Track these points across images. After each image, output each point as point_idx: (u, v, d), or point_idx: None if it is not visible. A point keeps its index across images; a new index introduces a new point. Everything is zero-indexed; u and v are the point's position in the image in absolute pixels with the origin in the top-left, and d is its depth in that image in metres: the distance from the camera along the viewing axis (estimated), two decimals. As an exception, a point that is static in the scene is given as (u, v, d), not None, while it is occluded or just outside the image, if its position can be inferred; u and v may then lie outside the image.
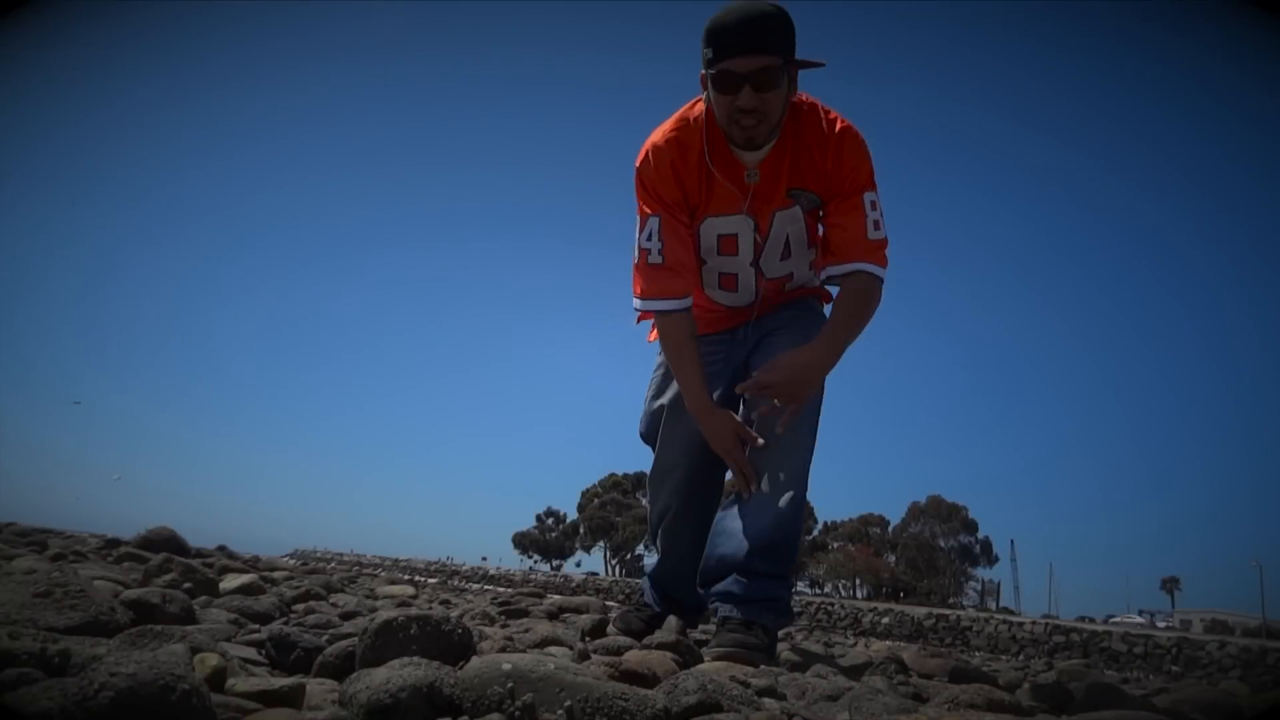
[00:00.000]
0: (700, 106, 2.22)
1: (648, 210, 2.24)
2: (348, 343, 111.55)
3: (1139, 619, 42.00)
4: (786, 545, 2.20)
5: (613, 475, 58.26)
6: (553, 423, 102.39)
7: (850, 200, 2.21)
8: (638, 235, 2.26)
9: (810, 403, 2.24)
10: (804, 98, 2.22)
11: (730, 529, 2.24)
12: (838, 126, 2.19)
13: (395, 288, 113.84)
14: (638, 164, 2.24)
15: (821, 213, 2.30)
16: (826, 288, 2.47)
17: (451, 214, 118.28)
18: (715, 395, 2.37)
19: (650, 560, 2.64)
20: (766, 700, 1.35)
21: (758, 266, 2.37)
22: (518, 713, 1.07)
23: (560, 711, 1.10)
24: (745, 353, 2.46)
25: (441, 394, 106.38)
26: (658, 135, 2.23)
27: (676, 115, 2.24)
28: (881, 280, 2.24)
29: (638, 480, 56.29)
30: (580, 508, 59.53)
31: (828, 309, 2.44)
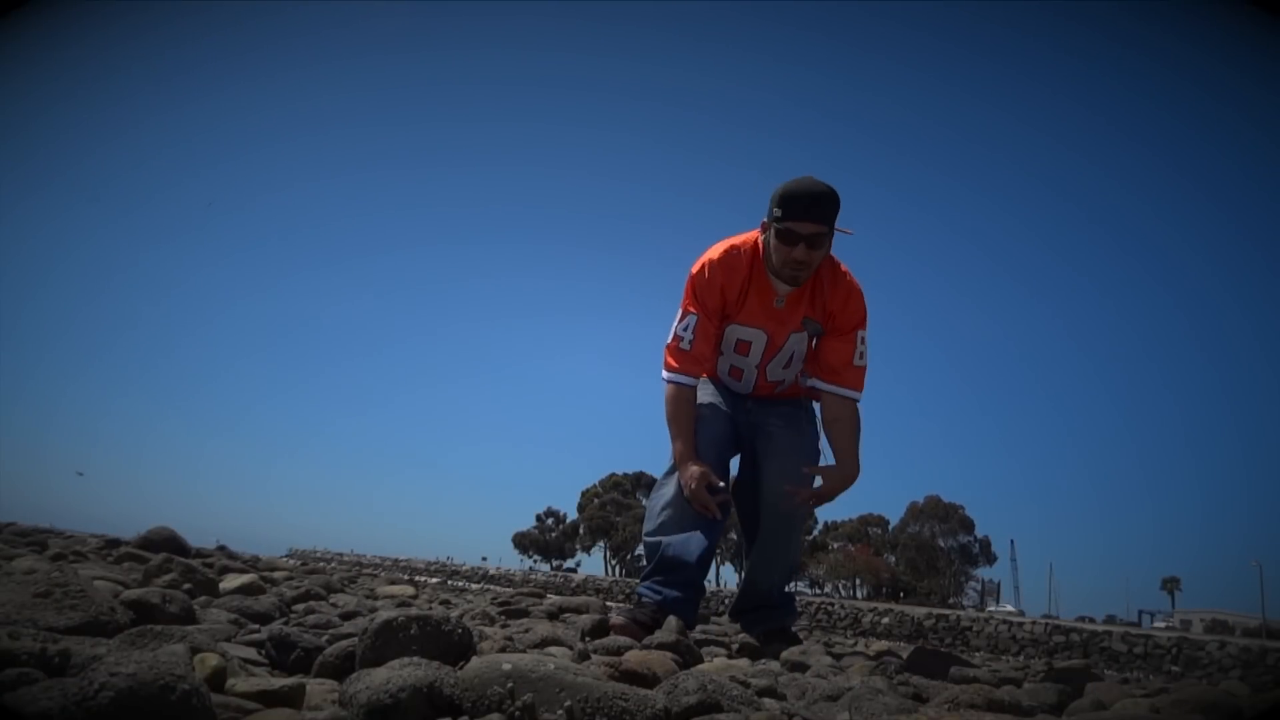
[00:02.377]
0: (751, 239, 2.86)
1: (691, 309, 2.89)
2: (348, 343, 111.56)
3: (1161, 623, 41.83)
4: (795, 554, 3.09)
5: (613, 475, 58.27)
6: (553, 423, 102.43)
7: (847, 335, 2.90)
8: (676, 324, 2.91)
9: (814, 441, 3.02)
10: (831, 256, 2.86)
11: (757, 577, 3.04)
12: (847, 280, 2.89)
13: (394, 289, 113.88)
14: (693, 271, 2.89)
15: (815, 340, 2.98)
16: (811, 386, 3.09)
17: (450, 216, 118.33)
18: (713, 436, 2.94)
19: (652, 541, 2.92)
20: (766, 700, 1.35)
21: (763, 369, 3.03)
22: (518, 713, 1.07)
23: (560, 711, 1.10)
24: (745, 417, 3.07)
25: (442, 394, 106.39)
26: (715, 253, 2.87)
27: (732, 242, 2.89)
28: (854, 400, 2.95)
29: (637, 480, 56.34)
30: (580, 508, 59.55)
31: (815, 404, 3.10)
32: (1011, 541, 54.44)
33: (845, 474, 2.93)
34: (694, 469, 2.81)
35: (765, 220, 2.78)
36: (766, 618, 3.06)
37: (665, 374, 2.94)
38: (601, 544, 58.03)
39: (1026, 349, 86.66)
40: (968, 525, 52.41)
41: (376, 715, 1.03)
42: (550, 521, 61.50)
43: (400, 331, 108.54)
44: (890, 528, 55.20)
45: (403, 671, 1.08)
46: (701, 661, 1.90)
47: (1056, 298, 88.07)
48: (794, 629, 3.17)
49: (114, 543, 3.94)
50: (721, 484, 2.85)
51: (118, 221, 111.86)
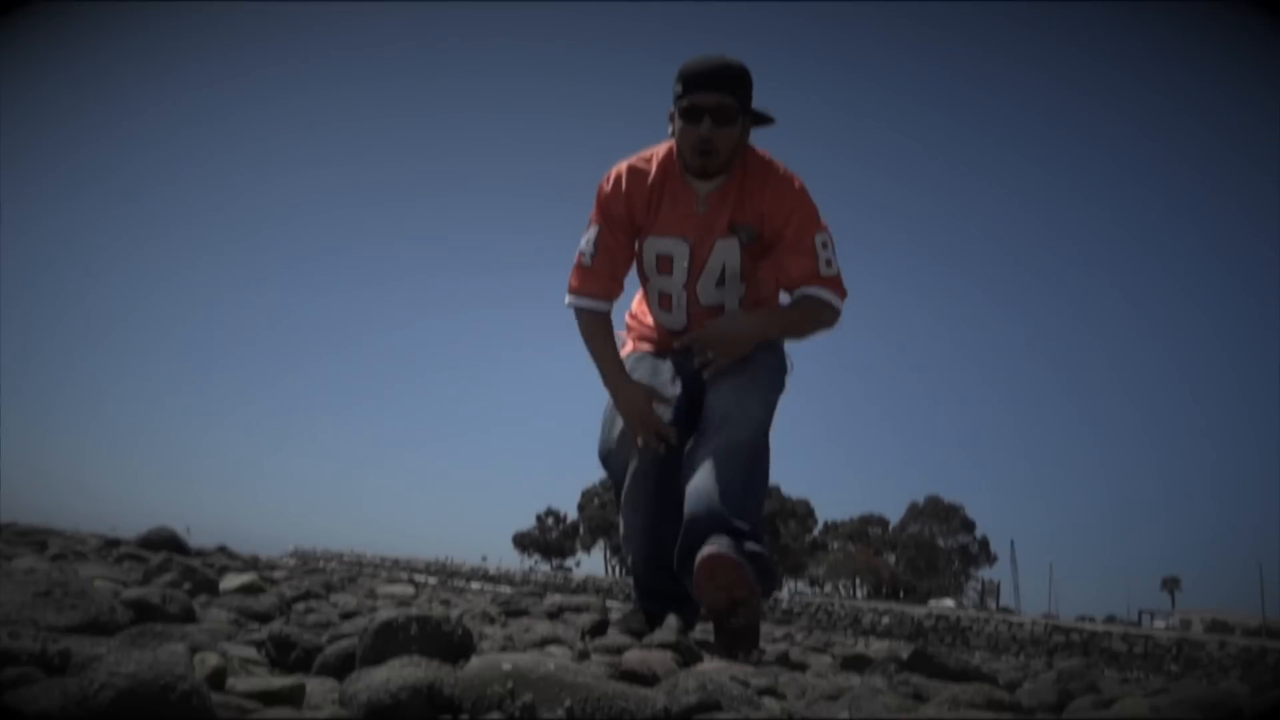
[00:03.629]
0: (665, 146, 2.54)
1: (593, 220, 2.57)
2: (348, 342, 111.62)
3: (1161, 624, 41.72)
4: (752, 495, 2.40)
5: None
6: (554, 422, 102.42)
7: (803, 241, 2.49)
8: (581, 239, 2.59)
9: (767, 361, 2.55)
10: (760, 151, 2.52)
11: (693, 499, 2.34)
12: (780, 171, 2.50)
13: (394, 286, 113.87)
14: (602, 178, 2.57)
15: (769, 258, 2.56)
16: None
17: (451, 216, 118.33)
18: (673, 405, 2.57)
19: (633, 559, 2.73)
20: (766, 700, 1.35)
21: (693, 290, 2.62)
22: (518, 712, 1.07)
23: (560, 711, 1.10)
24: (693, 370, 2.61)
25: (442, 393, 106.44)
26: (621, 163, 2.57)
27: (645, 150, 2.58)
28: (835, 308, 2.54)
29: (638, 480, 56.20)
30: (580, 507, 59.56)
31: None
32: (1011, 542, 54.44)
33: (729, 321, 2.53)
34: (629, 389, 2.54)
35: (670, 109, 2.47)
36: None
37: (568, 299, 2.60)
38: (602, 543, 58.03)
39: (1027, 349, 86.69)
40: (968, 525, 52.44)
41: (376, 715, 1.03)
42: (551, 521, 61.52)
43: (400, 331, 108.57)
44: (890, 528, 55.22)
45: (403, 671, 1.08)
46: (701, 661, 1.90)
47: (1058, 297, 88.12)
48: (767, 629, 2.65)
49: (114, 542, 3.94)
50: (671, 394, 2.54)
51: (118, 219, 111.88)
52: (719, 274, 2.58)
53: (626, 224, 2.55)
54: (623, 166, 2.55)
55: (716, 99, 2.36)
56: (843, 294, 2.53)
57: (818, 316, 2.55)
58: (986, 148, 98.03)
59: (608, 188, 2.54)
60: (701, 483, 2.34)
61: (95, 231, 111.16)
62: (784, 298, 2.66)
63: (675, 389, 2.60)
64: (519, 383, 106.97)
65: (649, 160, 2.54)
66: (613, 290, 2.62)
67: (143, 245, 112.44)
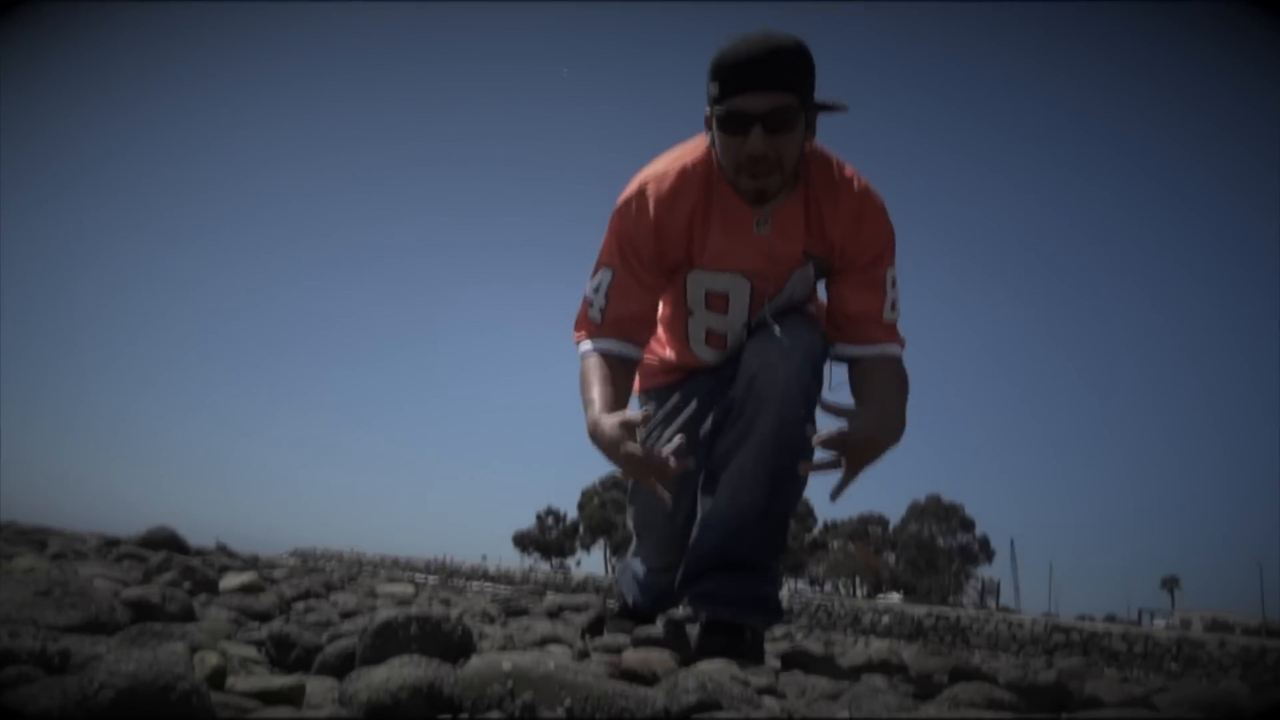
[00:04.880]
0: (703, 146, 1.94)
1: (605, 259, 1.99)
2: (347, 343, 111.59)
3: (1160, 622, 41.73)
4: (772, 529, 1.95)
5: (613, 474, 58.24)
6: (554, 422, 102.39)
7: (872, 275, 1.96)
8: (589, 279, 2.02)
9: (802, 392, 1.90)
10: (819, 148, 1.95)
11: (706, 515, 1.96)
12: (857, 185, 1.94)
13: (395, 286, 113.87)
14: (619, 203, 1.97)
15: (828, 282, 2.06)
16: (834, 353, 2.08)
17: (453, 213, 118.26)
18: (707, 427, 2.07)
19: (637, 565, 2.42)
20: (766, 699, 1.35)
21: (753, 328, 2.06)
22: (518, 712, 1.08)
23: (560, 710, 1.10)
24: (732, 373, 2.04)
25: (442, 393, 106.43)
26: (646, 179, 1.95)
27: (673, 156, 1.97)
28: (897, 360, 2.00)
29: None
30: (580, 507, 59.56)
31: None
32: (1011, 541, 54.47)
33: (883, 423, 1.83)
34: (605, 421, 1.80)
35: (706, 113, 1.87)
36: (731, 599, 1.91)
37: (575, 336, 2.04)
38: (602, 543, 58.04)
39: (1029, 347, 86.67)
40: (967, 524, 52.46)
41: (376, 714, 1.03)
42: (550, 520, 61.53)
43: (400, 331, 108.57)
44: (890, 527, 55.23)
45: (403, 670, 1.08)
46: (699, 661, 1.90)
47: (1061, 295, 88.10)
48: (764, 635, 2.04)
49: (114, 542, 3.94)
50: (641, 414, 1.78)
51: (119, 218, 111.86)
52: (784, 306, 2.06)
53: (656, 263, 1.97)
54: (647, 184, 1.94)
55: (769, 101, 1.75)
56: (902, 344, 2.02)
57: (907, 383, 1.99)
58: (981, 140, 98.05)
59: (630, 217, 1.94)
60: (721, 498, 1.94)
61: (95, 231, 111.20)
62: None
63: (691, 408, 2.14)
64: (519, 381, 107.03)
65: (684, 173, 1.93)
66: (634, 335, 2.03)
67: (143, 245, 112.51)
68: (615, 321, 1.99)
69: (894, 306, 1.98)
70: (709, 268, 2.00)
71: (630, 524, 2.38)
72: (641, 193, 1.94)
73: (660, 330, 2.22)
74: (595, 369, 1.96)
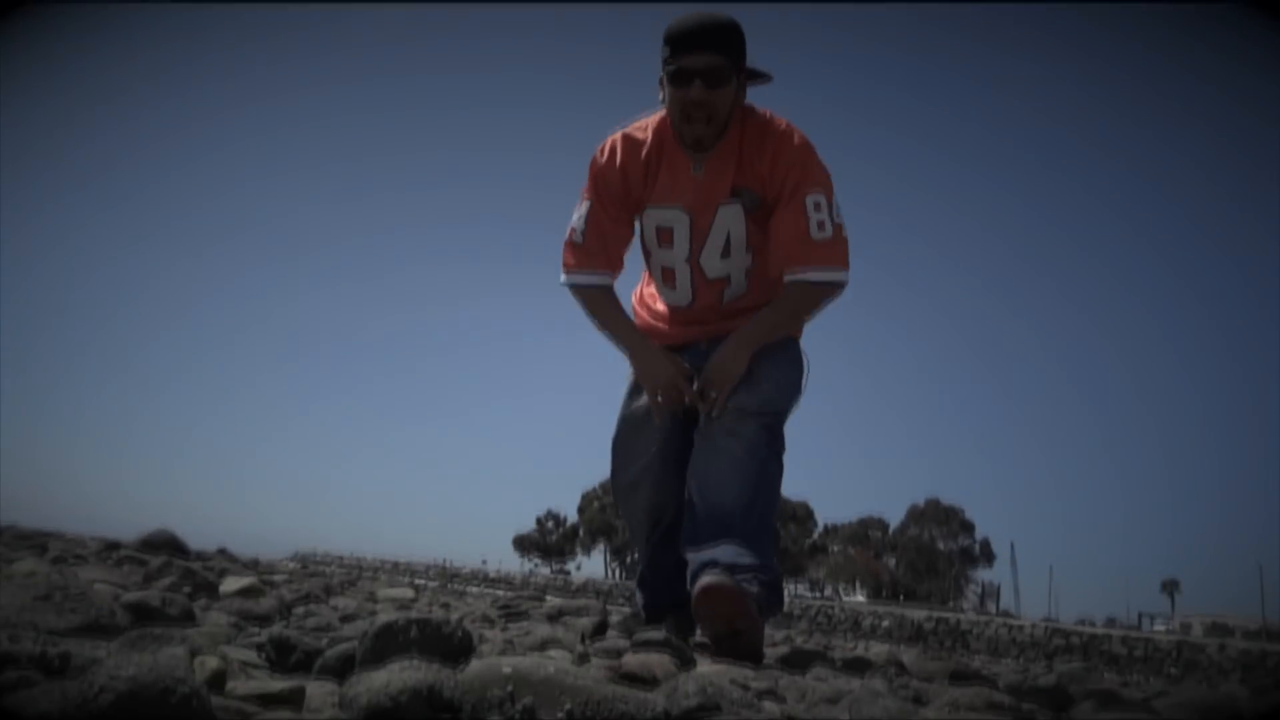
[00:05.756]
0: (659, 115, 2.39)
1: (585, 196, 2.44)
2: (349, 345, 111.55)
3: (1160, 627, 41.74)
4: (761, 512, 2.24)
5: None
6: (554, 425, 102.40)
7: (793, 202, 2.28)
8: (573, 214, 2.46)
9: (775, 358, 2.34)
10: (760, 110, 2.37)
11: (697, 504, 2.26)
12: (782, 128, 2.33)
13: (395, 288, 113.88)
14: (596, 152, 2.44)
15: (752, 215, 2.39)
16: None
17: (451, 214, 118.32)
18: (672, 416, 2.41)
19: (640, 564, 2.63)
20: (766, 703, 1.35)
21: (696, 263, 2.45)
22: (518, 715, 1.07)
23: (560, 714, 1.10)
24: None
25: (442, 396, 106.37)
26: (616, 134, 2.43)
27: (639, 119, 2.44)
28: (828, 285, 2.34)
29: (638, 482, 56.17)
30: (580, 510, 59.53)
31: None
32: (1011, 544, 54.36)
33: (726, 351, 2.28)
34: (654, 356, 2.39)
35: (660, 75, 2.31)
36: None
37: (563, 277, 2.47)
38: (602, 546, 58.00)
39: (1028, 350, 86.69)
40: (968, 528, 52.45)
41: (376, 717, 1.03)
42: (550, 524, 61.49)
43: (400, 333, 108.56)
44: (890, 530, 55.21)
45: (403, 674, 1.08)
46: (699, 664, 1.89)
47: (1058, 298, 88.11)
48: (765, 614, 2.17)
49: (114, 545, 3.94)
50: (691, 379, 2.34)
51: (119, 218, 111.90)
52: (723, 243, 2.41)
53: (622, 198, 2.41)
54: (616, 137, 2.42)
55: (707, 60, 2.21)
56: (837, 262, 2.31)
57: (808, 304, 2.37)
58: (986, 144, 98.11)
59: (601, 160, 2.41)
60: (709, 486, 2.24)
61: (95, 231, 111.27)
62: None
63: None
64: (519, 385, 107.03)
65: (644, 129, 2.40)
66: (612, 264, 2.48)
67: (144, 245, 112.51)
68: (592, 245, 2.43)
69: (822, 226, 2.28)
70: (656, 204, 2.42)
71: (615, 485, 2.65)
72: (613, 143, 2.43)
73: (647, 285, 2.68)
74: (606, 303, 2.46)
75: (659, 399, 2.36)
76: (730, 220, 2.39)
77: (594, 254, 2.43)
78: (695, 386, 2.32)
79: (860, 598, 46.29)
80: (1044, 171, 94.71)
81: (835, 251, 2.30)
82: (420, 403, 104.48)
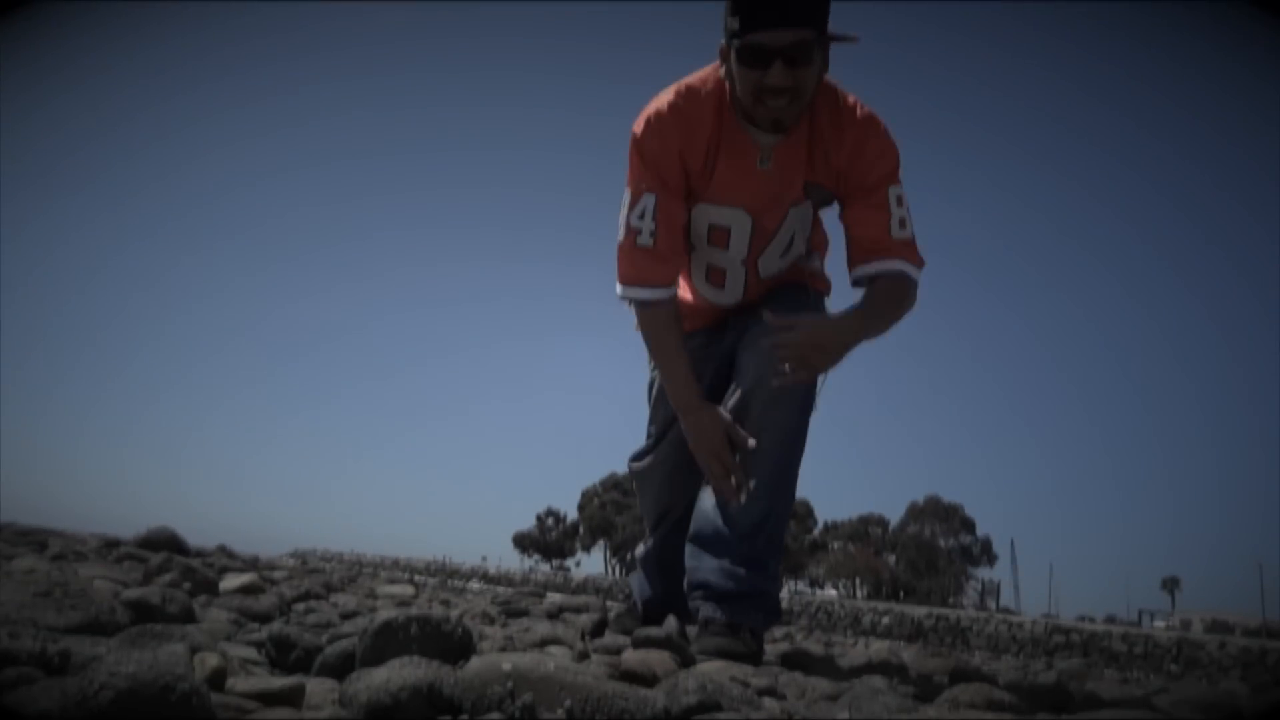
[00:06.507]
0: (714, 78, 1.97)
1: (644, 186, 1.99)
2: (349, 342, 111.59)
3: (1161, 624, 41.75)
4: (773, 528, 2.05)
5: (613, 475, 58.26)
6: (554, 422, 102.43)
7: (875, 196, 1.99)
8: (626, 211, 2.01)
9: (800, 394, 2.04)
10: (826, 80, 1.99)
11: (708, 511, 2.07)
12: (859, 113, 1.98)
13: (395, 287, 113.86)
14: (637, 132, 1.98)
15: (840, 211, 2.09)
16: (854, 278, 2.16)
17: (450, 215, 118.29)
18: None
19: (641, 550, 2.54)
20: (766, 700, 1.35)
21: (753, 264, 2.16)
22: (517, 713, 1.07)
23: (560, 711, 1.10)
24: (732, 342, 2.20)
25: (442, 393, 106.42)
26: (663, 104, 1.97)
27: (684, 84, 1.99)
28: (915, 281, 2.05)
29: (638, 480, 56.23)
30: (580, 507, 59.52)
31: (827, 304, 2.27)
32: (1012, 542, 54.38)
33: (824, 321, 1.99)
34: (704, 416, 2.02)
35: (722, 43, 1.90)
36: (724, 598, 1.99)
37: (622, 290, 2.08)
38: (602, 544, 58.02)
39: (1029, 348, 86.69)
40: (968, 525, 52.45)
41: (376, 715, 1.03)
42: (550, 521, 61.51)
43: (401, 331, 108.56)
44: (890, 528, 55.21)
45: (403, 671, 1.08)
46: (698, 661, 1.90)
47: (1059, 296, 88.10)
48: (764, 635, 2.10)
49: (114, 543, 3.94)
50: (749, 440, 1.99)
51: (118, 218, 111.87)
52: (787, 244, 2.13)
53: (682, 185, 2.01)
54: (664, 110, 1.96)
55: (790, 37, 1.79)
56: (919, 262, 2.05)
57: (901, 304, 2.05)
58: (987, 142, 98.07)
59: (654, 142, 1.97)
60: (721, 500, 2.04)
61: (95, 231, 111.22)
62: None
63: (708, 377, 2.21)
64: (519, 383, 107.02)
65: (698, 99, 1.96)
66: (678, 273, 2.12)
67: (144, 244, 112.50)
68: (664, 248, 2.01)
69: (903, 224, 2.01)
70: (713, 201, 2.05)
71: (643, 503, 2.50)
72: (660, 117, 1.97)
73: None
74: (675, 330, 2.08)
75: (710, 466, 2.05)
76: (799, 221, 2.12)
77: (667, 260, 2.04)
78: (775, 340, 1.92)
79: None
80: (1044, 170, 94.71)
81: (914, 251, 2.05)
82: (421, 401, 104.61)
